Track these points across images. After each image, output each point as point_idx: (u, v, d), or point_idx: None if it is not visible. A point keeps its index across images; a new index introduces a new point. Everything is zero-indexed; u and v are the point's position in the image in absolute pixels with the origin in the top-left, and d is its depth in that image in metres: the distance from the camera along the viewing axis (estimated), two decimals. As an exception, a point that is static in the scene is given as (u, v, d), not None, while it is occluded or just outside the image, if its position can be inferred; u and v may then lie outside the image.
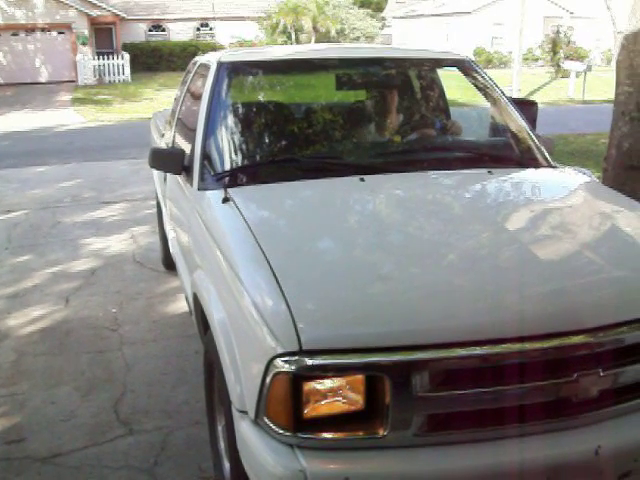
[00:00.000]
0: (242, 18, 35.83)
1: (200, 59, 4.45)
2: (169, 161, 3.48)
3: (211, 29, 36.68)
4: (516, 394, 2.07)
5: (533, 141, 3.62)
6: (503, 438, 2.07)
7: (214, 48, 27.10)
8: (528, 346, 2.05)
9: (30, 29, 29.96)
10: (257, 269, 2.32)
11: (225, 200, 2.85)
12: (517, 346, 2.04)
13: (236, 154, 3.36)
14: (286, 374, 1.97)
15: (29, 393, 3.82)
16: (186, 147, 3.62)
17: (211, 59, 3.87)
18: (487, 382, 2.04)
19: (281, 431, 2.02)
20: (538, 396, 2.08)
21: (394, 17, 45.99)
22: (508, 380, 2.05)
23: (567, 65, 24.08)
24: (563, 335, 2.07)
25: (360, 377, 2.00)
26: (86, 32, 30.43)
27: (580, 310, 2.14)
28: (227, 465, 2.60)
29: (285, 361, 1.97)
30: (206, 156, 3.26)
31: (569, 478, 2.11)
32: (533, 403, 2.09)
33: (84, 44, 30.03)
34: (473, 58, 4.26)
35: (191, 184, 3.27)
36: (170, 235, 4.30)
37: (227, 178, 3.12)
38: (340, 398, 2.02)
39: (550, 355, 2.08)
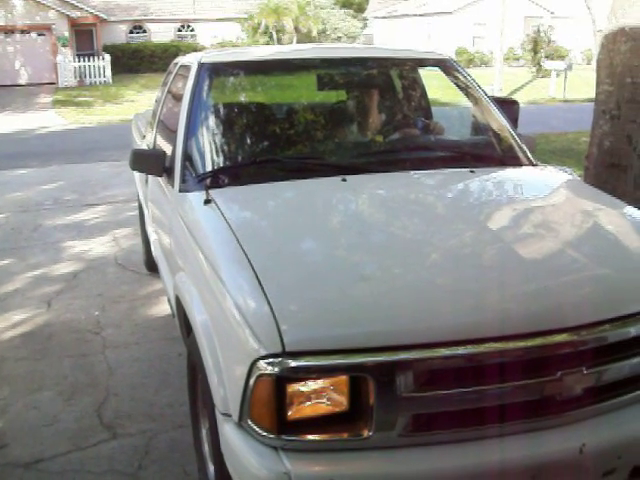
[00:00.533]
0: (224, 19, 35.73)
1: (181, 60, 4.42)
2: (150, 163, 3.46)
3: (192, 30, 36.56)
4: (500, 393, 2.07)
5: (515, 140, 3.63)
6: (488, 437, 2.08)
7: (195, 49, 27.02)
8: (511, 345, 2.05)
9: (9, 31, 29.72)
10: (239, 271, 2.31)
11: (207, 202, 2.83)
12: (500, 345, 2.04)
13: (217, 155, 3.34)
14: (269, 376, 1.96)
15: (11, 398, 3.77)
16: (167, 149, 3.59)
17: (192, 60, 3.84)
18: (471, 382, 2.04)
19: (265, 433, 2.01)
20: (522, 395, 2.09)
21: (376, 17, 46.03)
22: (492, 379, 2.05)
23: (548, 64, 24.24)
24: (546, 334, 2.08)
25: (344, 378, 2.00)
26: (66, 33, 30.23)
27: (563, 309, 2.14)
28: (211, 468, 2.58)
29: (268, 363, 1.96)
30: (187, 158, 3.24)
31: (554, 476, 2.11)
32: (517, 402, 2.09)
33: (64, 46, 29.85)
34: (455, 58, 4.27)
35: (172, 186, 3.25)
36: (152, 237, 4.27)
37: (208, 179, 3.10)
38: (324, 400, 2.02)
39: (533, 354, 2.08)
